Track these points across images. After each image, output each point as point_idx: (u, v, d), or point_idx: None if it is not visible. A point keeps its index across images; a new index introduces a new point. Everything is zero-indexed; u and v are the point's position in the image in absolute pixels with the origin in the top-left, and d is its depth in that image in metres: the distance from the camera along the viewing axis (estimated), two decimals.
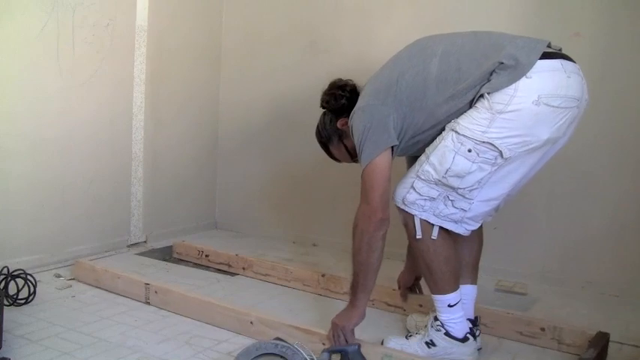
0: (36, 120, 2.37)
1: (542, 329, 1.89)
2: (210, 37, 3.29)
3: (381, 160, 1.65)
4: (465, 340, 1.72)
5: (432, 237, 1.66)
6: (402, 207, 1.69)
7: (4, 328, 1.62)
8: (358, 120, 1.69)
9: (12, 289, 1.98)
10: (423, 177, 1.64)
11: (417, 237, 1.68)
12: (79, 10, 2.48)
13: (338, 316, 1.74)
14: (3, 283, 1.97)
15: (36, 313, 1.93)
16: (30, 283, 2.00)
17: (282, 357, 1.45)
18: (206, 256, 2.68)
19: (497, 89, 1.55)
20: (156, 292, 2.07)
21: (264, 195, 3.30)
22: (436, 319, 1.75)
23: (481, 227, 1.82)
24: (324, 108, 1.90)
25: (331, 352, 1.54)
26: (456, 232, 1.68)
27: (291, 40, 3.15)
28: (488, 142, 1.56)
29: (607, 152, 2.47)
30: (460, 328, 1.72)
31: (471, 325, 1.77)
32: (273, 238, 3.18)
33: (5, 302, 1.88)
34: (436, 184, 1.62)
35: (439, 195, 1.63)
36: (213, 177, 3.42)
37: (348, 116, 1.78)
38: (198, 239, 3.05)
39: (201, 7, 3.19)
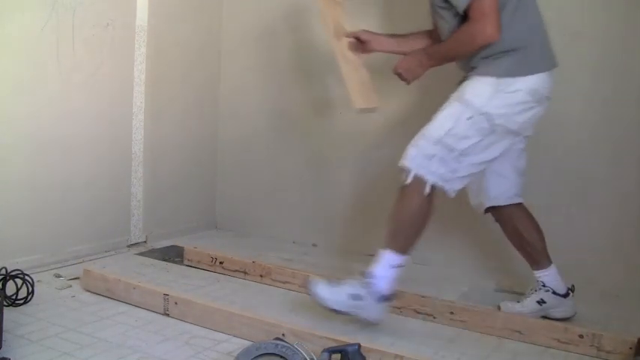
0: (35, 120, 2.37)
1: (581, 336, 1.88)
2: (211, 36, 3.29)
3: None
4: (384, 299, 1.91)
5: (425, 192, 1.89)
6: (404, 162, 1.92)
7: (4, 328, 1.62)
8: None
9: (11, 289, 1.98)
10: (426, 135, 1.91)
11: (406, 183, 1.90)
12: (79, 10, 2.48)
13: (404, 68, 2.04)
14: (1, 283, 1.96)
15: (36, 313, 1.93)
16: (28, 283, 2.00)
17: (282, 357, 1.46)
18: (220, 263, 2.57)
19: (509, 75, 1.87)
20: (176, 303, 1.98)
21: (264, 195, 3.29)
22: (366, 276, 1.91)
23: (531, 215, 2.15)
24: None
25: (331, 352, 1.54)
26: (445, 189, 1.92)
27: (292, 39, 3.15)
28: (486, 113, 1.87)
29: (607, 152, 2.47)
30: (384, 287, 1.90)
31: (568, 287, 2.12)
32: (273, 238, 3.18)
33: (4, 303, 1.88)
34: (435, 144, 1.89)
35: (435, 154, 1.88)
36: (213, 177, 3.41)
37: None
38: (199, 239, 3.05)
39: (201, 7, 3.19)
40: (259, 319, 1.85)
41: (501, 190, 2.13)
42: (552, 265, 2.13)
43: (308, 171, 3.14)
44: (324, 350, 1.54)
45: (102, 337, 1.78)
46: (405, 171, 1.92)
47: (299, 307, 2.18)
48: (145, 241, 2.95)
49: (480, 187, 2.14)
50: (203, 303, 1.96)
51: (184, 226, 3.19)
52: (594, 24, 2.47)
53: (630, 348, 1.80)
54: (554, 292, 2.10)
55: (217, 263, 2.58)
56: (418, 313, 2.12)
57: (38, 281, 2.16)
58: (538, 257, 2.14)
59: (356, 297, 1.89)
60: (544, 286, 2.12)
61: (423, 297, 2.13)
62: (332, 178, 3.06)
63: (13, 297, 1.96)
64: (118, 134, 2.76)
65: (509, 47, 1.88)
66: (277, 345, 1.48)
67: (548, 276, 2.12)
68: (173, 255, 2.79)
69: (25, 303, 1.99)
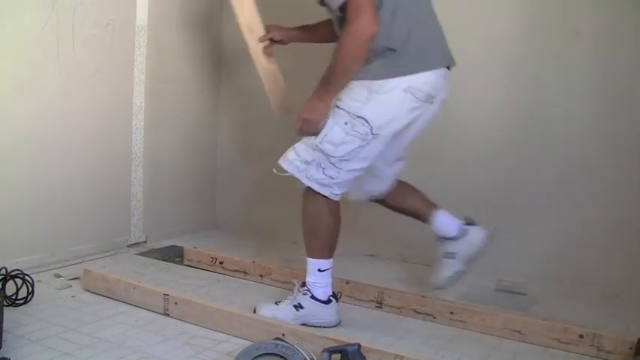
0: (35, 120, 2.37)
1: (581, 336, 1.87)
2: (211, 36, 3.29)
3: None
4: (328, 302, 1.97)
5: (317, 198, 1.92)
6: (282, 163, 1.95)
7: (4, 328, 1.61)
8: None
9: (11, 289, 1.97)
10: (305, 140, 1.91)
11: (303, 193, 1.94)
12: (79, 10, 2.48)
13: (307, 111, 1.89)
14: (1, 283, 1.96)
15: (36, 313, 1.93)
16: (28, 283, 2.00)
17: (282, 357, 1.46)
18: (220, 263, 2.57)
19: (382, 77, 1.82)
20: (176, 303, 1.97)
21: (264, 195, 3.29)
22: (303, 285, 2.00)
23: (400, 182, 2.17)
24: None
25: (331, 352, 1.54)
26: (322, 193, 1.91)
27: None
28: (362, 117, 1.84)
29: (608, 152, 2.48)
30: (324, 291, 1.98)
31: (462, 223, 2.09)
32: (273, 238, 3.18)
33: (4, 303, 1.88)
34: (313, 149, 1.88)
35: (313, 160, 1.88)
36: (213, 177, 3.41)
37: None
38: (199, 239, 3.04)
39: (201, 7, 3.19)
40: (259, 319, 1.85)
41: (377, 185, 2.15)
42: (435, 212, 2.12)
43: None
44: (324, 350, 1.54)
45: (102, 337, 1.78)
46: (285, 174, 1.95)
47: None
48: (145, 241, 2.95)
49: (357, 184, 2.11)
50: (203, 303, 1.96)
51: (184, 226, 3.19)
52: (596, 23, 2.47)
53: (630, 348, 1.80)
54: (450, 238, 2.10)
55: (217, 263, 2.58)
56: (418, 313, 2.12)
57: (38, 281, 2.16)
58: (422, 217, 2.15)
59: (298, 307, 1.96)
60: (439, 238, 2.13)
61: (423, 297, 2.13)
62: None
63: (13, 297, 1.96)
64: (117, 134, 2.76)
65: (386, 48, 1.82)
66: (277, 345, 1.48)
67: (436, 227, 2.12)
68: (173, 255, 2.79)
69: (25, 303, 1.99)
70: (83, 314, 1.96)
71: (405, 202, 2.17)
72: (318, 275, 1.98)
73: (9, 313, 1.83)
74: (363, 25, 1.74)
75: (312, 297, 1.97)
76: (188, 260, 2.68)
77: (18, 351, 1.63)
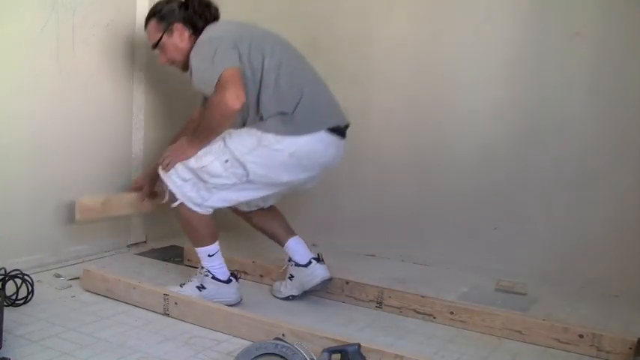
0: (35, 120, 2.37)
1: (581, 336, 1.88)
2: None
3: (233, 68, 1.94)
4: (228, 281, 2.12)
5: (177, 203, 2.06)
6: (162, 175, 2.07)
7: (4, 328, 1.62)
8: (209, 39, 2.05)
9: (11, 289, 1.97)
10: (185, 162, 2.01)
11: (172, 205, 2.07)
12: (79, 10, 2.48)
13: (174, 149, 2.05)
14: (1, 283, 1.96)
15: (36, 313, 1.93)
16: (27, 284, 2.00)
17: (282, 357, 1.46)
18: None
19: (273, 133, 1.96)
20: (176, 303, 1.98)
21: None
22: (202, 267, 2.13)
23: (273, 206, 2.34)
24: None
25: (331, 352, 1.54)
26: (197, 210, 2.05)
27: (292, 39, 3.14)
28: (242, 164, 1.97)
29: (608, 152, 2.48)
30: (222, 272, 2.12)
31: (313, 257, 2.20)
32: None
33: (4, 303, 1.87)
34: (190, 171, 2.01)
35: (190, 179, 2.01)
36: None
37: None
38: None
39: None
40: (259, 319, 1.84)
41: (260, 202, 2.28)
42: (291, 239, 2.26)
43: None
44: (324, 350, 1.54)
45: (102, 337, 1.79)
46: (164, 185, 2.08)
47: (299, 307, 2.18)
48: (144, 241, 2.95)
49: None
50: (203, 303, 1.97)
51: None
52: (595, 23, 2.47)
53: (630, 348, 1.80)
54: (297, 264, 2.21)
55: None
56: (418, 313, 2.12)
57: (38, 281, 2.16)
58: (278, 240, 2.31)
59: (201, 287, 2.10)
60: (290, 260, 2.25)
61: (423, 297, 2.13)
62: (331, 177, 3.06)
63: (13, 297, 1.96)
64: (118, 134, 2.76)
65: (278, 112, 1.98)
66: (277, 345, 1.48)
67: (290, 251, 2.25)
68: (173, 255, 2.79)
69: (25, 303, 1.99)
70: (83, 314, 1.96)
71: (266, 224, 2.33)
72: (210, 259, 2.11)
73: (9, 313, 1.83)
74: (225, 100, 1.88)
75: (214, 278, 2.10)
76: (188, 260, 2.68)
77: (18, 351, 1.63)
